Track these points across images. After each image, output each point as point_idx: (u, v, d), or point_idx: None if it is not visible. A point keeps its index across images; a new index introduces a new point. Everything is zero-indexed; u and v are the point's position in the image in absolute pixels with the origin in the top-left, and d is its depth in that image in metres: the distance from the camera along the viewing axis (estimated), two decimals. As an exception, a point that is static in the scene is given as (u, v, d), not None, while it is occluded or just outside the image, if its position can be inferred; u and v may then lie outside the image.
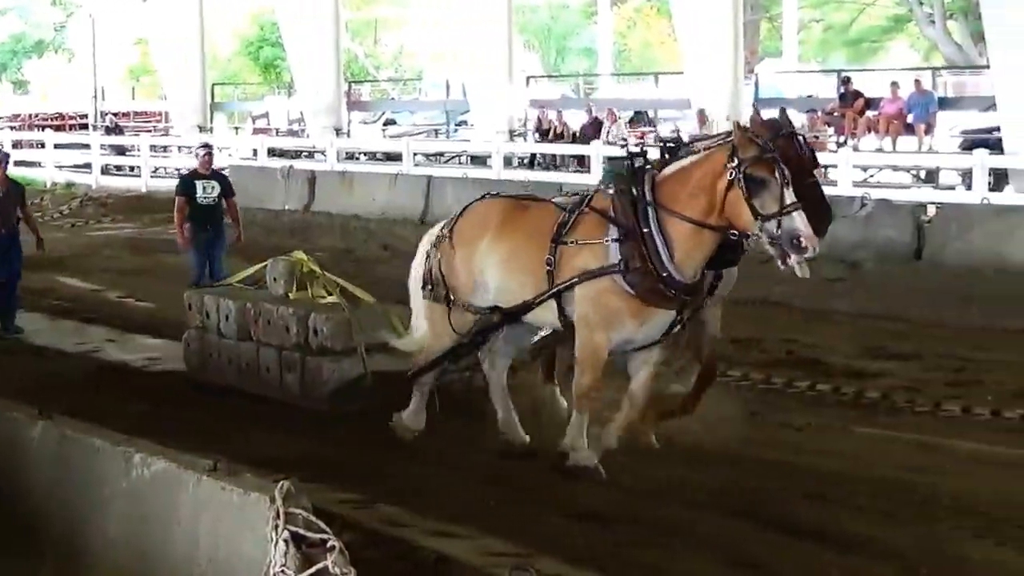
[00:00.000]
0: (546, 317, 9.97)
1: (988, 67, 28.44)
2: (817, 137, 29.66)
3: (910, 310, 16.35)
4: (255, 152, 36.69)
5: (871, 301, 17.39)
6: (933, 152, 28.64)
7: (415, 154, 33.48)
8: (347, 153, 36.34)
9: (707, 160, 9.29)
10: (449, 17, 36.95)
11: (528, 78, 41.71)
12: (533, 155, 33.53)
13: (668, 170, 9.49)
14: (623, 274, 9.32)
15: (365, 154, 37.52)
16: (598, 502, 9.20)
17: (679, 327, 9.64)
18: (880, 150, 29.00)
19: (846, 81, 32.12)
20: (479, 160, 33.60)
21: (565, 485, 9.59)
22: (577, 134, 33.75)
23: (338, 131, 38.53)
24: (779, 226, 8.79)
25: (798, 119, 32.23)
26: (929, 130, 29.34)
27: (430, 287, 10.54)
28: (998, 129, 25.82)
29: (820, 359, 14.27)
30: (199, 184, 16.79)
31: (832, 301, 17.57)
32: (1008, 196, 22.61)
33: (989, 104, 27.95)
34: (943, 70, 39.52)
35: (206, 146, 17.98)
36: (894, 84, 30.33)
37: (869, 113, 30.38)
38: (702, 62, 31.69)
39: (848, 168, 24.02)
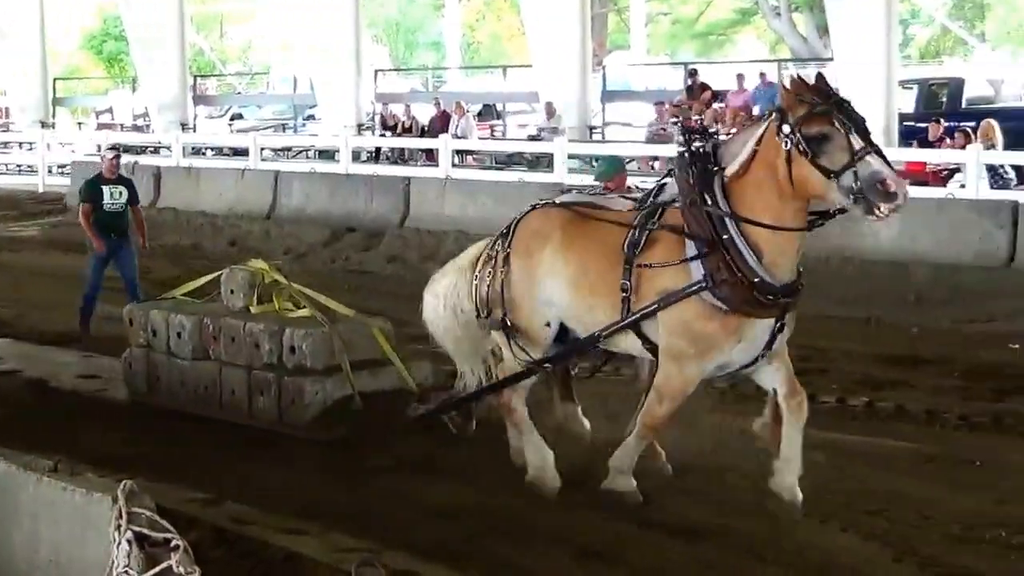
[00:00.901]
0: (627, 345, 8.97)
1: (832, 59, 28.81)
2: (664, 130, 29.85)
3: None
4: (99, 148, 35.94)
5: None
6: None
7: (262, 149, 33.06)
8: (193, 148, 35.89)
9: (764, 141, 8.26)
10: (296, 10, 36.53)
11: (376, 72, 41.40)
12: (378, 149, 33.31)
13: (733, 167, 8.39)
14: (712, 290, 8.29)
15: (212, 149, 36.98)
16: (449, 497, 9.15)
17: (779, 335, 8.55)
18: (727, 141, 29.14)
19: (693, 74, 32.38)
20: (327, 154, 33.35)
21: (415, 480, 9.50)
22: (426, 128, 33.60)
23: (184, 126, 38.09)
24: (856, 176, 7.80)
25: (646, 111, 32.57)
26: (775, 122, 29.53)
27: (486, 313, 9.43)
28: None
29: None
30: (106, 189, 15.63)
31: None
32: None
33: (832, 96, 28.17)
34: (789, 62, 39.95)
35: (114, 148, 16.89)
36: (740, 76, 30.68)
37: (716, 105, 30.63)
38: (550, 55, 31.74)
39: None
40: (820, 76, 8.42)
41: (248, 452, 10.37)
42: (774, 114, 8.23)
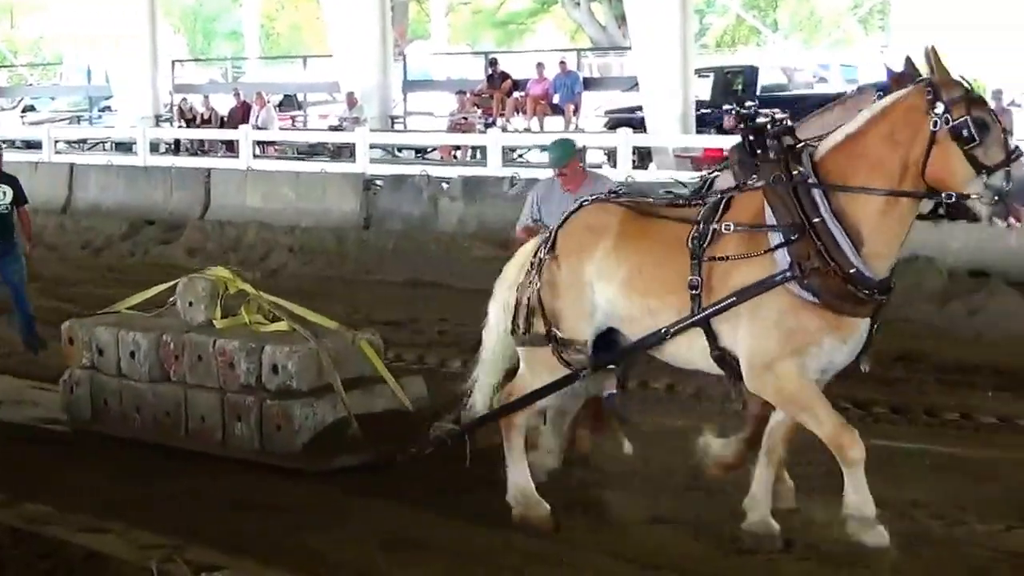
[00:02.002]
0: (690, 353, 7.83)
1: (630, 48, 29.12)
2: (466, 119, 29.93)
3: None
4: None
5: (523, 279, 17.51)
6: (580, 132, 29.14)
7: (56, 141, 32.24)
8: (-17, 141, 34.85)
9: (894, 113, 7.29)
10: (90, 0, 35.77)
11: (174, 62, 40.69)
12: (177, 141, 32.80)
13: (829, 142, 7.51)
14: (799, 279, 7.29)
15: (4, 142, 35.97)
16: (256, 491, 9.01)
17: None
18: (528, 130, 29.40)
19: (493, 63, 32.48)
20: (124, 147, 32.68)
21: (227, 476, 9.34)
22: (225, 119, 33.19)
23: (-27, 119, 37.02)
24: (1008, 177, 7.03)
25: (448, 101, 32.61)
26: (575, 110, 29.91)
27: (525, 326, 8.21)
28: (640, 108, 26.48)
29: (474, 338, 14.27)
30: None
31: (484, 280, 17.61)
32: (652, 173, 23.12)
33: (632, 84, 28.64)
34: (588, 51, 40.31)
35: None
36: (540, 65, 30.84)
37: (516, 94, 30.81)
38: (351, 45, 31.54)
39: (497, 149, 24.20)
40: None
41: (43, 451, 10.12)
42: (919, 87, 7.25)
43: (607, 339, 8.12)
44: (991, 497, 8.25)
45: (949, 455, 9.71)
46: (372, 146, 26.66)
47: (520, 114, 30.49)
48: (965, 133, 7.01)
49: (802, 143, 7.59)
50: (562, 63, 30.91)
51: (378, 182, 22.81)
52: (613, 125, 27.77)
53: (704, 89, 29.28)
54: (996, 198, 7.04)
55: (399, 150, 30.14)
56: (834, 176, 7.37)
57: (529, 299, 8.14)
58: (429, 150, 30.20)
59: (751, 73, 30.33)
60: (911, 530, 7.95)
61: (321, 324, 9.97)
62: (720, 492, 8.45)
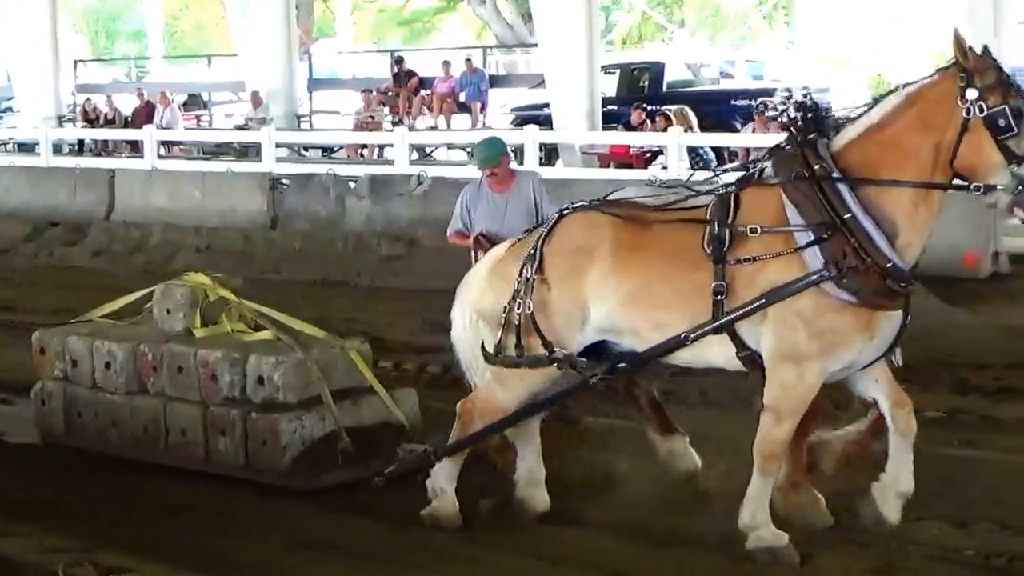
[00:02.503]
0: (711, 355, 7.55)
1: (537, 45, 29.17)
2: (373, 117, 29.84)
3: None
4: None
5: (430, 277, 17.49)
6: (486, 129, 29.12)
7: (-45, 143, 31.84)
8: None
9: (924, 100, 7.09)
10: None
11: (76, 62, 40.23)
12: (81, 141, 32.44)
13: (849, 133, 7.27)
14: (836, 279, 7.04)
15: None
16: (166, 494, 8.96)
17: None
18: (434, 128, 29.37)
19: (399, 61, 32.44)
20: (27, 147, 32.26)
21: (137, 479, 9.26)
22: (129, 119, 32.87)
23: None
24: None
25: (353, 99, 32.48)
26: (482, 108, 29.92)
27: (514, 347, 7.78)
28: (547, 105, 26.52)
29: (382, 336, 14.24)
30: None
31: (391, 278, 17.69)
32: (558, 170, 23.17)
33: (539, 81, 28.69)
34: (494, 49, 40.34)
35: None
36: (446, 63, 30.83)
37: (423, 92, 30.77)
38: (255, 44, 31.35)
39: (404, 147, 24.14)
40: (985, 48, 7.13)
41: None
42: (950, 73, 7.06)
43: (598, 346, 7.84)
44: (922, 490, 8.29)
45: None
46: (278, 145, 26.50)
47: (427, 112, 30.44)
48: (1002, 122, 6.85)
49: (819, 133, 7.32)
50: (468, 61, 30.91)
51: (284, 181, 22.65)
52: (520, 122, 27.80)
53: (610, 86, 29.42)
54: (1021, 188, 6.90)
55: (305, 149, 29.99)
56: (859, 167, 7.14)
57: (520, 320, 7.72)
58: (335, 149, 30.08)
59: (657, 69, 30.53)
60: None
61: (307, 332, 9.53)
62: (644, 492, 8.46)
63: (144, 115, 31.87)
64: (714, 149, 23.99)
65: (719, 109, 27.71)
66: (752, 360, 7.41)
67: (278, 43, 31.10)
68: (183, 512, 8.61)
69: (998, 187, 6.97)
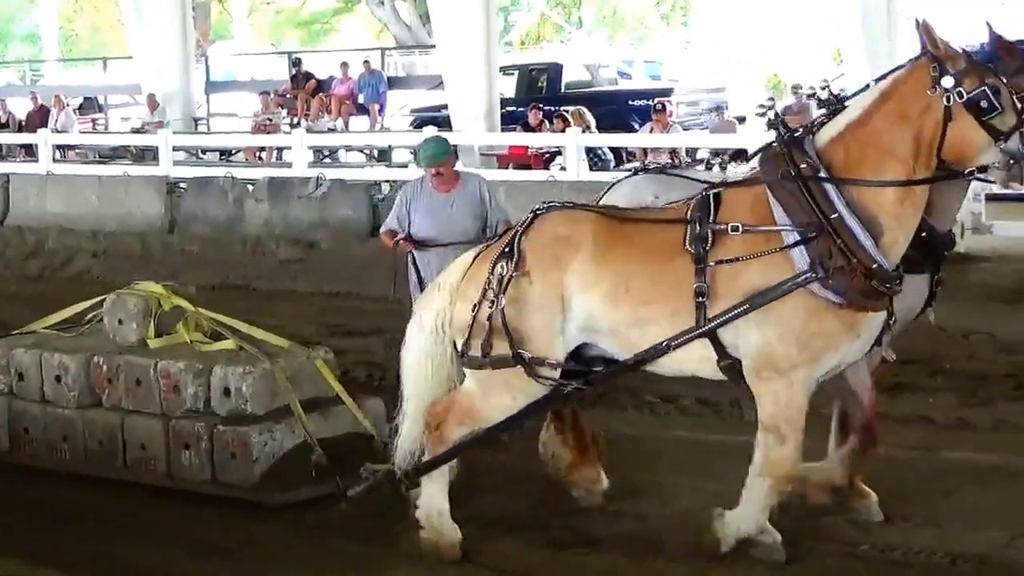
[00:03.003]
0: (691, 364, 7.36)
1: (434, 46, 29.16)
2: (271, 120, 29.69)
3: (367, 287, 16.48)
4: None
5: (329, 280, 17.49)
6: (385, 131, 29.12)
7: None
8: None
9: (899, 93, 7.05)
10: None
11: (-32, 66, 39.72)
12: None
13: (830, 131, 7.18)
14: (823, 280, 6.93)
15: None
16: (63, 500, 8.87)
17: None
18: (333, 130, 29.28)
19: (297, 63, 32.36)
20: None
21: (28, 485, 9.14)
22: (23, 123, 32.45)
23: None
24: (1023, 139, 6.85)
25: (251, 102, 32.32)
26: (381, 110, 29.88)
27: (485, 348, 7.44)
28: (446, 107, 26.53)
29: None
30: None
31: (290, 282, 17.64)
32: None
33: (437, 83, 28.68)
34: (393, 50, 40.28)
35: None
36: (344, 65, 30.77)
37: (321, 94, 30.69)
38: (151, 46, 31.01)
39: (303, 149, 24.04)
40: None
41: None
42: (920, 63, 7.04)
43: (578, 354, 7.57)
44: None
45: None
46: (175, 148, 26.28)
47: (325, 114, 30.35)
48: (984, 104, 6.83)
49: (802, 131, 7.25)
50: (366, 62, 30.86)
51: (182, 185, 22.49)
52: (419, 124, 27.77)
53: (509, 87, 29.48)
54: (1012, 162, 6.90)
55: (203, 152, 29.78)
56: (842, 166, 7.05)
57: (490, 319, 7.39)
58: (234, 152, 29.87)
59: (555, 70, 30.65)
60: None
61: (270, 342, 9.22)
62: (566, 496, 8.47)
63: (38, 119, 31.48)
64: (612, 149, 24.12)
65: (617, 109, 27.88)
66: (733, 369, 7.24)
67: (174, 45, 30.83)
68: (77, 517, 8.54)
69: (991, 167, 7.00)
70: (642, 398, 11.04)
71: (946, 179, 7.16)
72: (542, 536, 7.94)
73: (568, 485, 8.43)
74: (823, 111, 7.43)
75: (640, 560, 7.57)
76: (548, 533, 7.99)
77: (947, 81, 6.86)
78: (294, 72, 31.76)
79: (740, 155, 18.85)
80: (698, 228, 7.13)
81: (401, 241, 10.06)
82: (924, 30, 7.02)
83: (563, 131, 22.86)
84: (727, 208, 7.20)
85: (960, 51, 6.98)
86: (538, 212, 7.62)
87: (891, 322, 7.26)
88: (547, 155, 24.55)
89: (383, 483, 7.91)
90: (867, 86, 7.26)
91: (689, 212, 7.26)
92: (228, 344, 9.20)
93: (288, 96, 31.28)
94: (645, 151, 23.33)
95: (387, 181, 21.28)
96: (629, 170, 8.88)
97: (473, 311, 7.46)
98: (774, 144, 7.30)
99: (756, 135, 22.75)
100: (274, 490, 8.58)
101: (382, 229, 10.24)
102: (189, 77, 31.59)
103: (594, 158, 23.09)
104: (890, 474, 8.24)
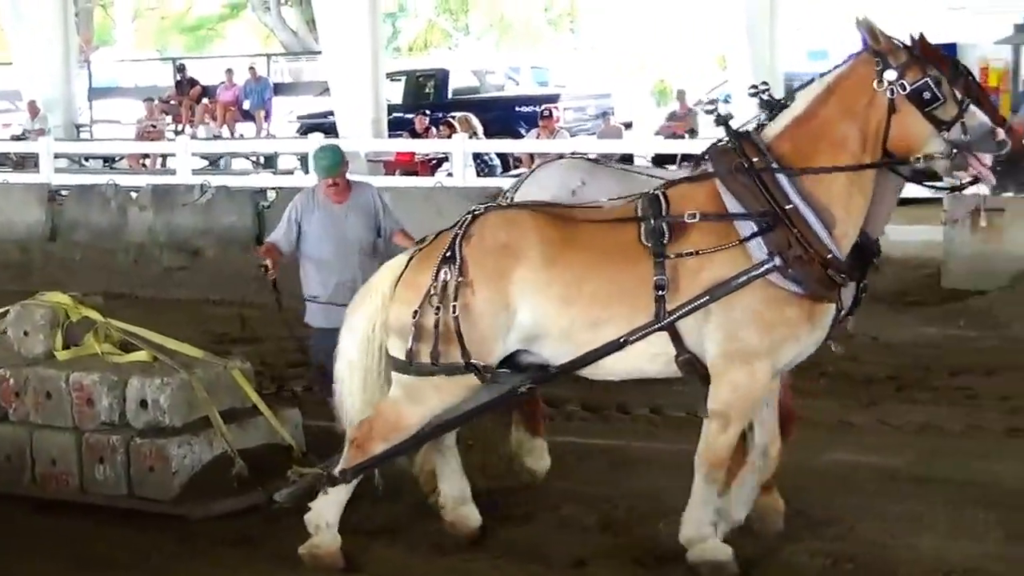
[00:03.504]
0: (643, 362, 7.25)
1: (321, 53, 29.07)
2: (155, 126, 29.41)
3: (253, 294, 16.36)
4: None
5: (214, 288, 17.34)
6: (271, 137, 28.96)
7: None
8: None
9: (843, 88, 7.10)
10: None
11: None
12: None
13: (777, 125, 7.20)
14: (783, 270, 6.93)
15: None
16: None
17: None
18: (218, 137, 29.07)
19: (182, 69, 32.11)
20: None
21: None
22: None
23: None
24: (964, 128, 6.93)
25: (136, 108, 32.00)
26: (266, 116, 29.72)
27: (433, 355, 7.22)
28: (333, 113, 26.44)
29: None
30: None
31: (174, 290, 17.47)
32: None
33: (324, 89, 28.59)
34: (279, 56, 40.10)
35: None
36: (229, 71, 30.59)
37: (206, 100, 30.47)
38: (32, 52, 30.55)
39: (187, 156, 23.83)
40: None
41: None
42: (862, 58, 7.10)
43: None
44: (683, 488, 8.42)
45: (640, 449, 9.89)
46: (57, 156, 25.92)
47: (210, 121, 30.12)
48: (927, 95, 6.91)
49: (754, 128, 7.25)
50: (252, 69, 30.74)
51: (64, 192, 22.18)
52: (305, 130, 27.67)
53: (396, 93, 29.46)
54: (955, 151, 6.93)
55: (86, 159, 29.37)
56: (791, 158, 7.07)
57: (438, 326, 7.19)
58: (117, 159, 29.53)
59: (442, 76, 30.73)
60: (604, 523, 8.16)
61: (185, 352, 8.91)
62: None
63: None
64: (499, 155, 24.19)
65: (504, 115, 28.00)
66: (690, 364, 7.16)
67: (56, 51, 30.40)
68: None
69: (935, 156, 6.98)
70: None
71: (893, 165, 7.15)
72: (425, 541, 7.91)
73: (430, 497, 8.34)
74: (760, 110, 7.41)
75: (524, 565, 7.56)
76: (432, 539, 7.94)
77: (890, 74, 6.93)
78: (179, 78, 31.54)
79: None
80: (653, 223, 7.07)
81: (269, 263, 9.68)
82: (866, 26, 7.05)
83: (450, 137, 22.87)
84: (678, 204, 7.14)
85: (901, 45, 7.05)
86: (476, 213, 7.43)
87: (842, 315, 7.28)
88: (434, 161, 24.57)
89: (311, 487, 7.68)
90: (811, 81, 7.31)
91: (640, 209, 7.20)
92: (142, 355, 8.89)
93: (173, 102, 31.04)
94: (532, 157, 23.37)
95: (273, 188, 21.16)
96: (517, 175, 8.72)
97: (415, 316, 7.26)
98: (723, 140, 7.30)
99: (640, 140, 23.06)
100: (195, 503, 8.35)
101: (267, 241, 10.03)
102: (71, 83, 31.17)
103: (481, 164, 23.13)
104: (773, 476, 8.29)
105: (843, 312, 7.28)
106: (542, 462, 8.79)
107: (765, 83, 7.51)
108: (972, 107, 6.97)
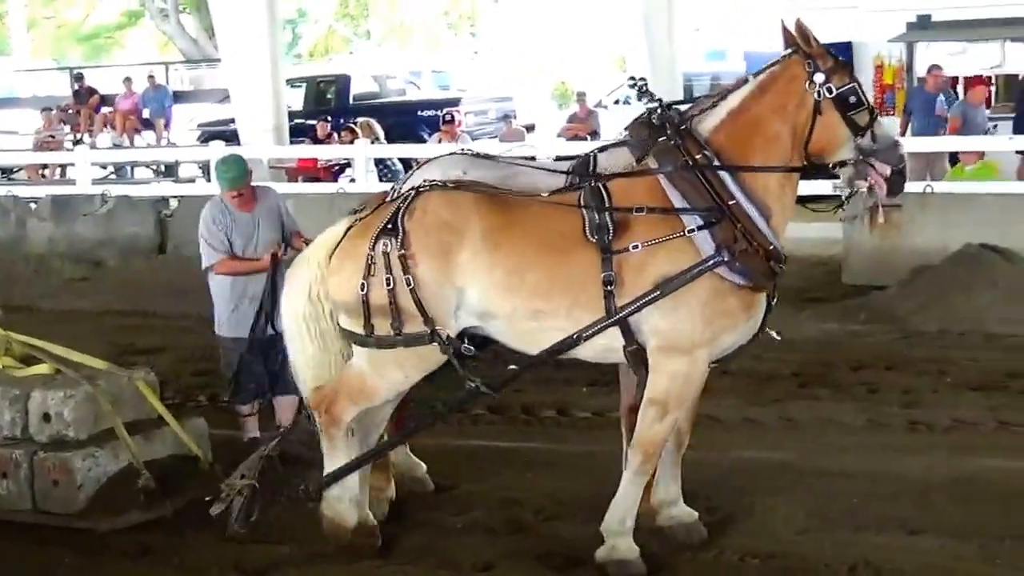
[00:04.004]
0: (594, 352, 7.36)
1: (220, 60, 28.89)
2: (53, 136, 29.08)
3: (156, 304, 16.25)
4: None
5: (117, 298, 17.17)
6: (172, 146, 28.74)
7: None
8: None
9: (775, 86, 7.27)
10: None
11: None
12: None
13: (711, 120, 7.34)
14: (730, 263, 7.06)
15: None
16: None
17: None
18: (118, 146, 28.81)
19: (79, 78, 31.79)
20: None
21: None
22: None
23: None
24: (873, 137, 7.19)
25: (33, 118, 31.61)
26: (166, 124, 29.49)
27: (396, 327, 7.24)
28: (234, 120, 26.28)
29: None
30: None
31: (77, 301, 17.25)
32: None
33: (224, 96, 28.40)
34: (178, 64, 39.80)
35: None
36: (128, 80, 30.31)
37: (105, 110, 30.18)
38: (-75, 62, 30.24)
39: (86, 166, 23.57)
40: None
41: None
42: (794, 59, 7.25)
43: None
44: (587, 490, 8.47)
45: (546, 451, 9.91)
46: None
47: (109, 130, 29.84)
48: (852, 99, 7.14)
49: (686, 124, 7.36)
50: (151, 77, 30.49)
51: (-40, 205, 21.85)
52: (206, 138, 27.48)
53: (297, 99, 29.34)
54: (860, 158, 7.19)
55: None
56: (728, 153, 7.24)
57: (393, 297, 7.20)
58: (15, 170, 29.14)
59: (343, 82, 30.65)
60: (511, 525, 8.17)
61: (88, 364, 8.76)
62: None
63: None
64: (402, 160, 24.13)
65: (406, 120, 27.98)
66: (637, 354, 7.27)
67: (-50, 63, 30.06)
68: None
69: (847, 161, 7.22)
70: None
71: (811, 168, 7.37)
72: (332, 548, 7.83)
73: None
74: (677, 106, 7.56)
75: (433, 571, 7.57)
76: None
77: (819, 77, 7.12)
78: (77, 87, 31.23)
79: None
80: (597, 216, 7.16)
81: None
82: (797, 29, 7.26)
83: (352, 143, 22.79)
84: (621, 198, 7.23)
85: (827, 50, 7.25)
86: (420, 190, 7.44)
87: (774, 303, 7.45)
88: (336, 167, 24.47)
89: (244, 500, 7.72)
90: (746, 80, 7.44)
91: (581, 200, 7.26)
92: (44, 368, 8.76)
93: (71, 112, 30.71)
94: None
95: (175, 196, 20.97)
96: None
97: (363, 289, 7.28)
98: (640, 119, 7.46)
99: (544, 141, 23.08)
100: (101, 516, 8.22)
101: (210, 262, 9.73)
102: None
103: (384, 169, 23.06)
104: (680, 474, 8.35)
105: (775, 300, 7.46)
106: (419, 468, 8.84)
107: (643, 77, 7.75)
108: (880, 118, 7.29)
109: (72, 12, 54.06)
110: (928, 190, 15.55)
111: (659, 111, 7.44)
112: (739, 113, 7.29)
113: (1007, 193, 15.87)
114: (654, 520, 7.85)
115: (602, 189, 7.26)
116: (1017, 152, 19.84)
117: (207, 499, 7.92)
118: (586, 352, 7.35)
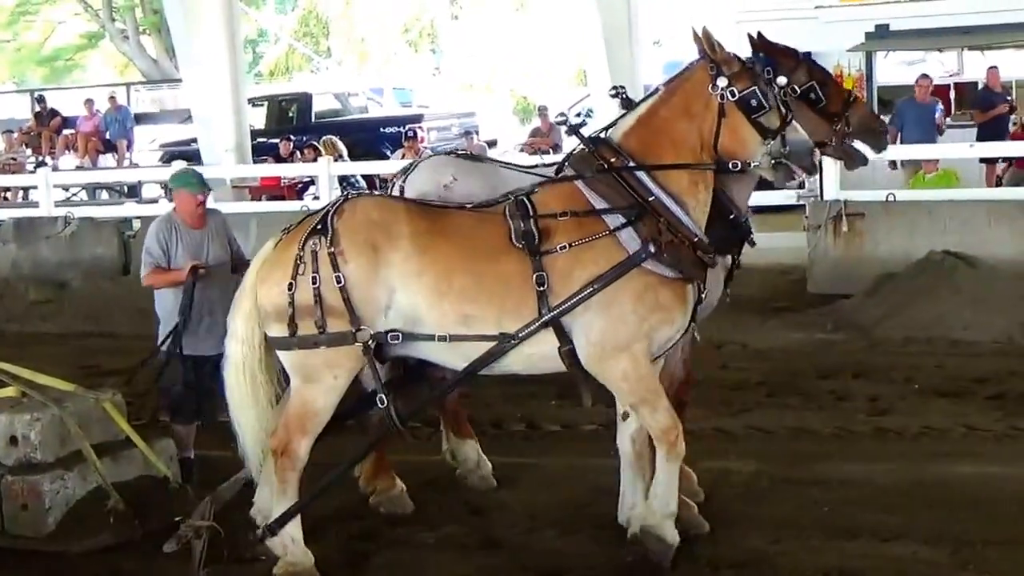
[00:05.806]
0: (534, 353, 7.40)
1: (181, 80, 28.83)
2: (15, 159, 28.96)
3: (122, 325, 16.16)
4: None
5: (82, 320, 17.10)
6: (135, 167, 28.64)
7: None
8: None
9: (682, 90, 7.51)
10: None
11: None
12: None
13: (624, 125, 7.61)
14: (658, 255, 7.22)
15: None
16: None
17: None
18: (81, 168, 28.69)
19: (40, 100, 31.66)
20: None
21: None
22: None
23: None
24: (784, 141, 7.36)
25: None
26: (129, 146, 29.40)
27: (322, 327, 7.27)
28: (196, 140, 26.21)
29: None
30: None
31: (40, 324, 17.18)
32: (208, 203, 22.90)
33: (186, 116, 28.34)
34: (139, 85, 39.67)
35: None
36: (89, 101, 30.20)
37: (66, 132, 30.08)
38: None
39: (49, 189, 23.44)
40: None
41: None
42: (700, 65, 7.48)
43: None
44: (558, 504, 8.47)
45: (516, 465, 9.90)
46: (-86, 192, 25.46)
47: (71, 152, 29.73)
48: (754, 102, 7.34)
49: (603, 133, 7.68)
50: (112, 98, 30.39)
51: (-78, 229, 21.72)
52: (169, 158, 27.39)
53: (259, 118, 29.30)
54: (774, 162, 7.38)
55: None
56: (641, 154, 7.48)
57: (319, 295, 7.23)
58: (-23, 193, 29.09)
59: (305, 100, 30.63)
60: (482, 541, 8.19)
61: (55, 386, 8.66)
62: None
63: None
64: (365, 177, 24.10)
65: (369, 137, 27.96)
66: (573, 354, 7.35)
67: (-91, 85, 29.91)
68: None
69: (752, 165, 7.43)
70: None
71: (717, 169, 7.53)
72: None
73: (368, 494, 8.76)
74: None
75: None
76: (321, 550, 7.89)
77: (722, 81, 7.36)
78: (38, 109, 31.11)
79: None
80: (522, 224, 7.31)
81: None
82: (703, 36, 7.49)
83: (315, 161, 22.75)
84: (544, 206, 7.41)
85: (734, 56, 7.51)
86: (348, 196, 7.61)
87: (703, 296, 7.59)
88: (300, 185, 24.42)
89: (203, 543, 7.66)
90: (657, 89, 7.68)
91: (507, 211, 7.41)
92: (10, 391, 8.66)
93: (32, 134, 30.57)
94: (399, 177, 23.34)
95: (138, 217, 20.88)
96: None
97: (290, 290, 7.29)
98: (579, 148, 7.71)
99: (506, 156, 23.07)
100: (71, 539, 8.17)
101: (148, 271, 9.69)
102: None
103: (347, 187, 23.01)
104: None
105: (705, 292, 7.61)
106: (484, 466, 9.25)
107: (623, 86, 7.95)
108: (795, 123, 7.45)
109: (31, 35, 53.79)
110: (891, 199, 15.61)
111: (569, 125, 7.93)
112: (649, 118, 7.57)
113: (968, 200, 15.94)
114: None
115: (526, 200, 7.44)
116: (981, 160, 20.00)
117: (176, 519, 7.88)
118: (517, 362, 7.42)
